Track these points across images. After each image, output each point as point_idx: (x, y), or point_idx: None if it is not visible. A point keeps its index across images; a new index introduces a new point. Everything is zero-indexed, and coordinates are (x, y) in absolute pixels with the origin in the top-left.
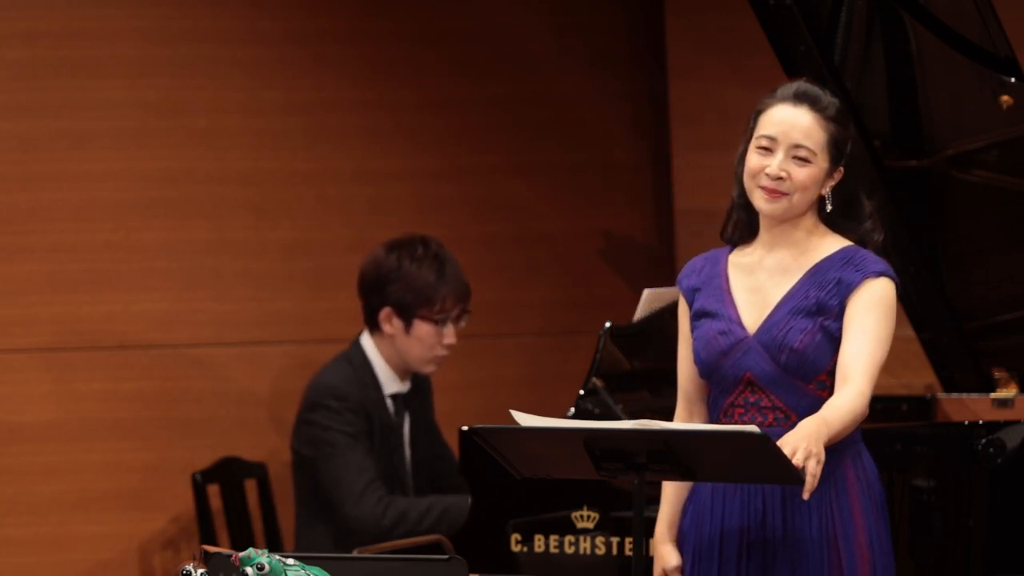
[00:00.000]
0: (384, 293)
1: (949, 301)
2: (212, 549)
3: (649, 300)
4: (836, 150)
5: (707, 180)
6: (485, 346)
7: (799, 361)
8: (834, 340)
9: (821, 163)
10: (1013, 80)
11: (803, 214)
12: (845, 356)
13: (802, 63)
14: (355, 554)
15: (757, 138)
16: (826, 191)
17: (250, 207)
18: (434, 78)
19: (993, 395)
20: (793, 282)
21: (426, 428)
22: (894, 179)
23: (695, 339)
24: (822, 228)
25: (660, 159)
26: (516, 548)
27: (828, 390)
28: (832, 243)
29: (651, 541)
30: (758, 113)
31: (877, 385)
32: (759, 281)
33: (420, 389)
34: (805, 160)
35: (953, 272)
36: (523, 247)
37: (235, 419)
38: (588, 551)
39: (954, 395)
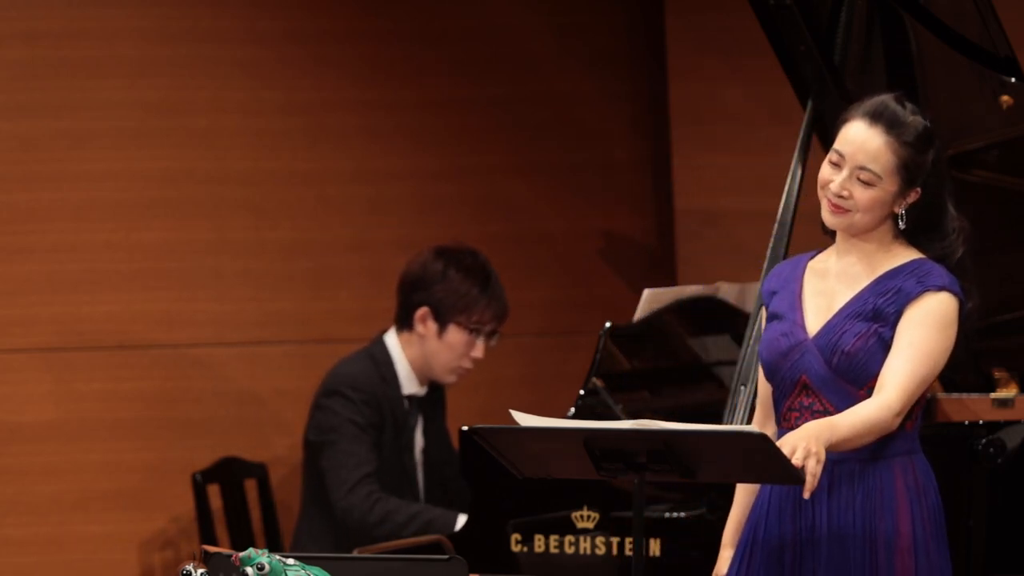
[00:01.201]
0: (427, 293)
1: None
2: (212, 549)
3: (649, 300)
4: (908, 173)
5: (707, 180)
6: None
7: (849, 364)
8: (887, 348)
9: (888, 186)
10: (1013, 80)
11: (873, 230)
12: (887, 367)
13: (802, 63)
14: (355, 554)
15: (832, 150)
16: (899, 210)
17: (250, 207)
18: (434, 78)
19: (993, 395)
20: (859, 289)
21: (438, 433)
22: None
23: (761, 341)
24: (898, 241)
25: (660, 159)
26: (516, 548)
27: None
28: (904, 255)
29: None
30: (842, 121)
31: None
32: (828, 286)
33: (435, 395)
34: (868, 183)
35: (953, 272)
36: (523, 247)
37: (235, 419)
38: (588, 551)
39: (954, 395)
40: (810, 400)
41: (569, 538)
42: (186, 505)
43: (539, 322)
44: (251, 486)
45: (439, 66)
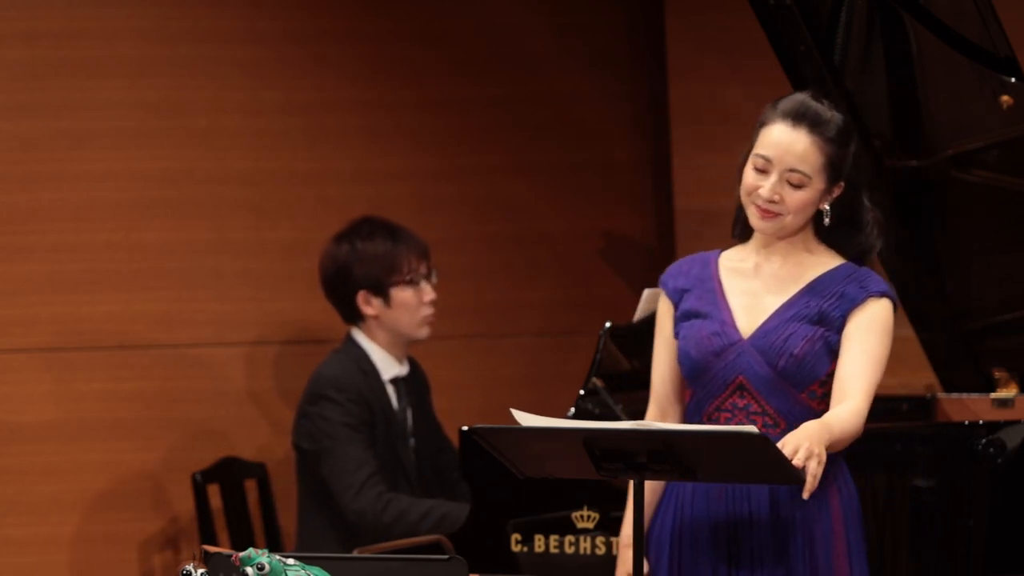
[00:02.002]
0: (351, 279)
1: (949, 301)
2: (212, 549)
3: (649, 300)
4: (834, 170)
5: (707, 180)
6: (485, 346)
7: (797, 367)
8: (832, 352)
9: (817, 185)
10: (1013, 80)
11: (799, 231)
12: (843, 373)
13: (802, 63)
14: (355, 554)
15: (754, 155)
16: (824, 206)
17: (250, 207)
18: (434, 78)
19: (993, 395)
20: (791, 292)
21: (427, 421)
22: (894, 179)
23: (682, 339)
24: (820, 245)
25: (660, 159)
26: (516, 548)
27: (817, 400)
28: (830, 259)
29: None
30: (761, 124)
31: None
32: (755, 287)
33: (417, 375)
34: (799, 185)
35: (953, 272)
36: (523, 247)
37: (235, 419)
38: (588, 551)
39: (954, 395)
40: (745, 401)
41: (569, 538)
42: (186, 505)
43: (539, 322)
44: (251, 486)
45: (439, 66)
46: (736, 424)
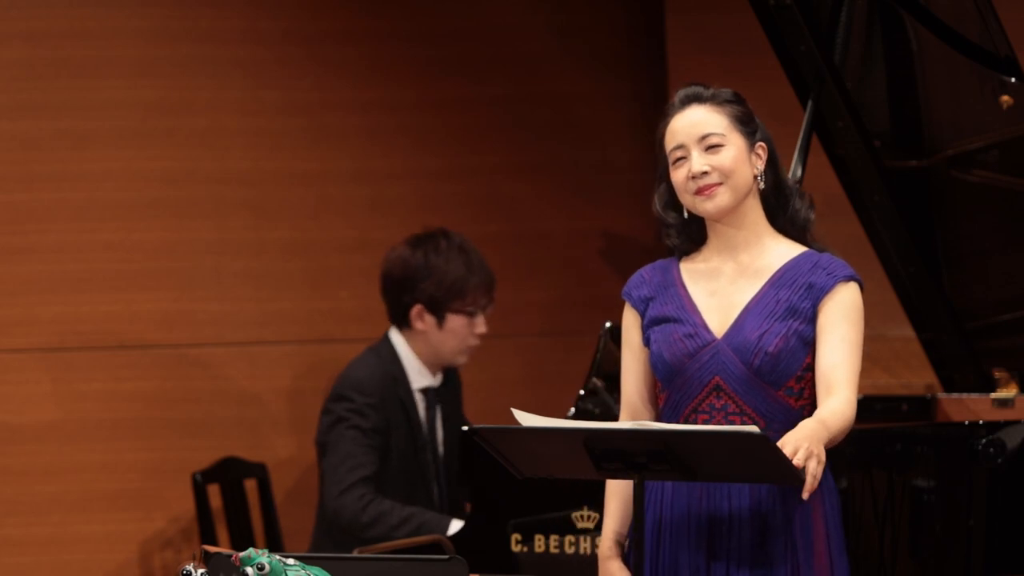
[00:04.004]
0: (415, 291)
1: (949, 301)
2: (212, 549)
3: None
4: (744, 125)
5: None
6: (485, 346)
7: (772, 365)
8: (806, 345)
9: (735, 141)
10: (1013, 80)
11: (746, 209)
12: (825, 365)
13: (802, 63)
14: (355, 554)
15: (669, 156)
16: (757, 171)
17: (250, 207)
18: (434, 78)
19: (993, 395)
20: (757, 287)
21: (457, 423)
22: (894, 179)
23: (654, 343)
24: (772, 232)
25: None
26: (516, 548)
27: (794, 397)
28: (787, 248)
29: (599, 554)
30: (660, 139)
31: (877, 385)
32: (719, 286)
33: (451, 383)
34: (718, 145)
35: (953, 272)
36: (523, 247)
37: (235, 419)
38: (588, 551)
39: (954, 395)
40: (723, 402)
41: (569, 538)
42: (186, 505)
43: (539, 322)
44: (251, 486)
45: (439, 66)
46: (714, 424)
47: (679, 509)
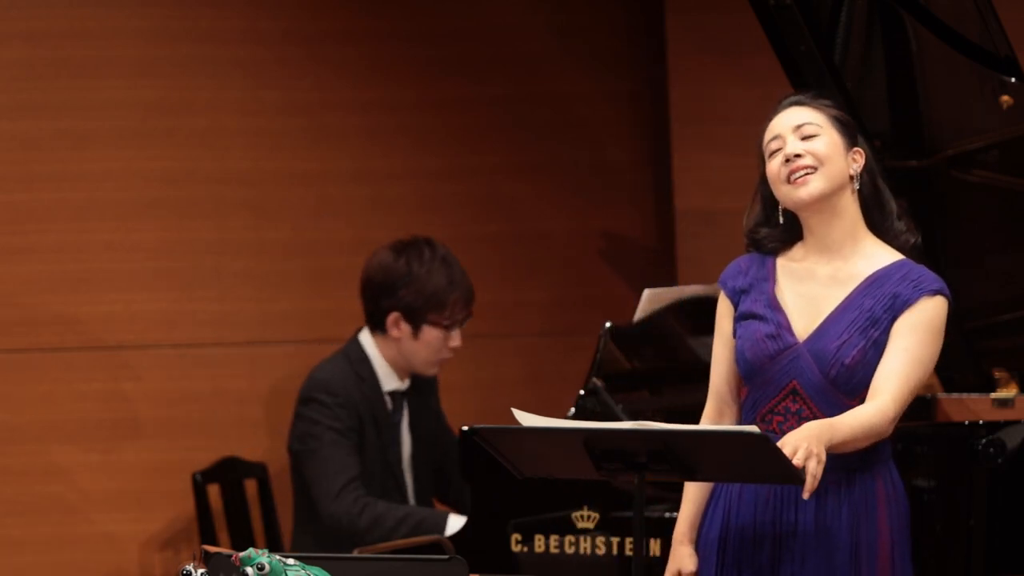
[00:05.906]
0: (394, 297)
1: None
2: (212, 549)
3: (649, 300)
4: (843, 126)
5: (707, 180)
6: (485, 346)
7: (848, 376)
8: (882, 356)
9: (831, 133)
10: (1013, 80)
11: (841, 208)
12: (880, 372)
13: (802, 63)
14: (355, 554)
15: (765, 151)
16: (853, 171)
17: (250, 207)
18: (434, 78)
19: (993, 395)
20: (846, 292)
21: (432, 415)
22: (894, 179)
23: (739, 339)
24: (870, 235)
25: (660, 159)
26: (516, 548)
27: None
28: (884, 255)
29: (672, 539)
30: (759, 150)
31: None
32: (811, 289)
33: (422, 386)
34: (813, 135)
35: (953, 272)
36: (523, 247)
37: (235, 419)
38: (588, 551)
39: (954, 395)
40: (798, 406)
41: (569, 538)
42: (186, 505)
43: (539, 322)
44: (251, 486)
45: (439, 66)
46: (788, 427)
47: (746, 515)
